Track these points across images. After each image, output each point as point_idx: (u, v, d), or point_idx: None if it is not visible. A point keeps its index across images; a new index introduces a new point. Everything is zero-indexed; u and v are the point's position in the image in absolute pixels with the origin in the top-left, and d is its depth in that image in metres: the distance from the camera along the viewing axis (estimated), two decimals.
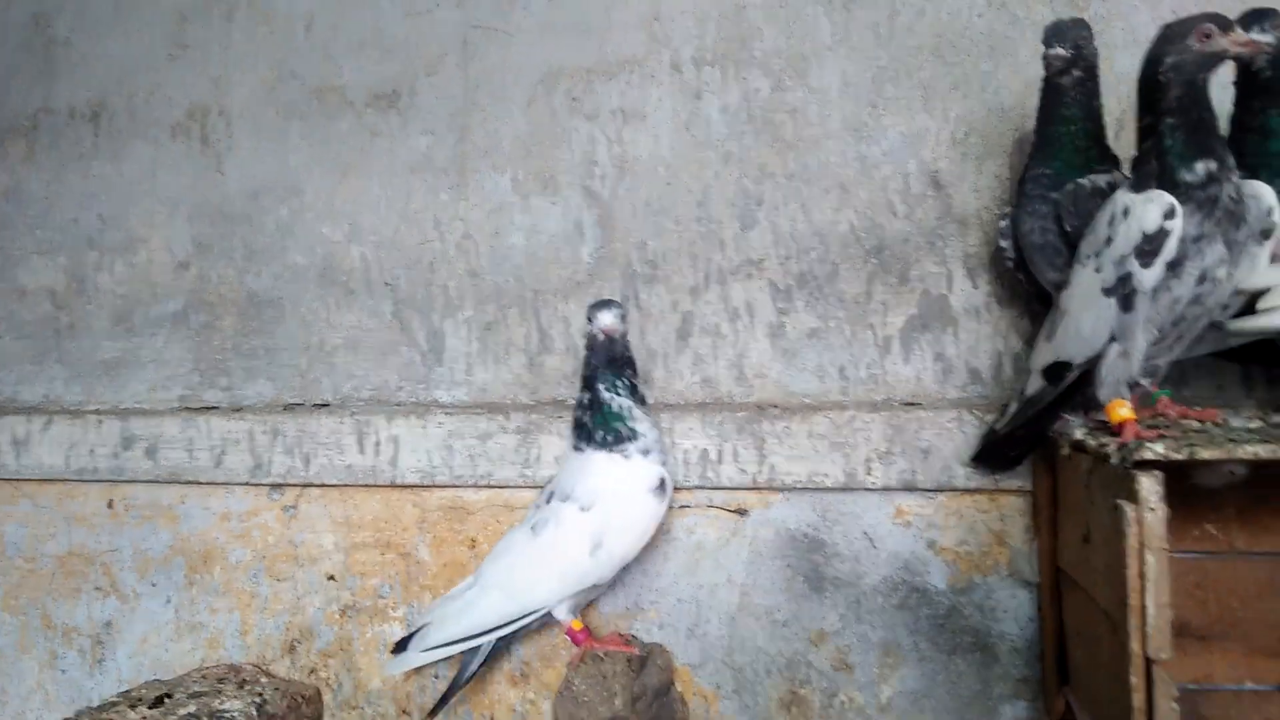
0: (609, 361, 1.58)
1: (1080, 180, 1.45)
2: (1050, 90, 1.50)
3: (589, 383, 1.58)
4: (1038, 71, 1.57)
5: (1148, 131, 1.27)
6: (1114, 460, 1.16)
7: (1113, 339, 1.28)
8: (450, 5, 2.00)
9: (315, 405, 1.96)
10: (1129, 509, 1.09)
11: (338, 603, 1.89)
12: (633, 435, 1.56)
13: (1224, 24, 1.23)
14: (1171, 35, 1.25)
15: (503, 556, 1.64)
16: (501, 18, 1.97)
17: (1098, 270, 1.29)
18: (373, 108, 2.01)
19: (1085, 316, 1.32)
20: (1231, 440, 1.13)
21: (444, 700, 1.66)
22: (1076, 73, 1.47)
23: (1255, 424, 1.26)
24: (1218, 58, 1.23)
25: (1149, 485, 1.09)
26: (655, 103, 1.89)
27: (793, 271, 1.81)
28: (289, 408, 1.96)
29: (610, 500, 1.53)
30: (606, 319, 1.57)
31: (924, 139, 1.77)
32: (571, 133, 1.92)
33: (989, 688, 1.63)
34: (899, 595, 1.68)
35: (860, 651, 1.69)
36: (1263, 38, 1.30)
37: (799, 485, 1.72)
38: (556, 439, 1.81)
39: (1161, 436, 1.16)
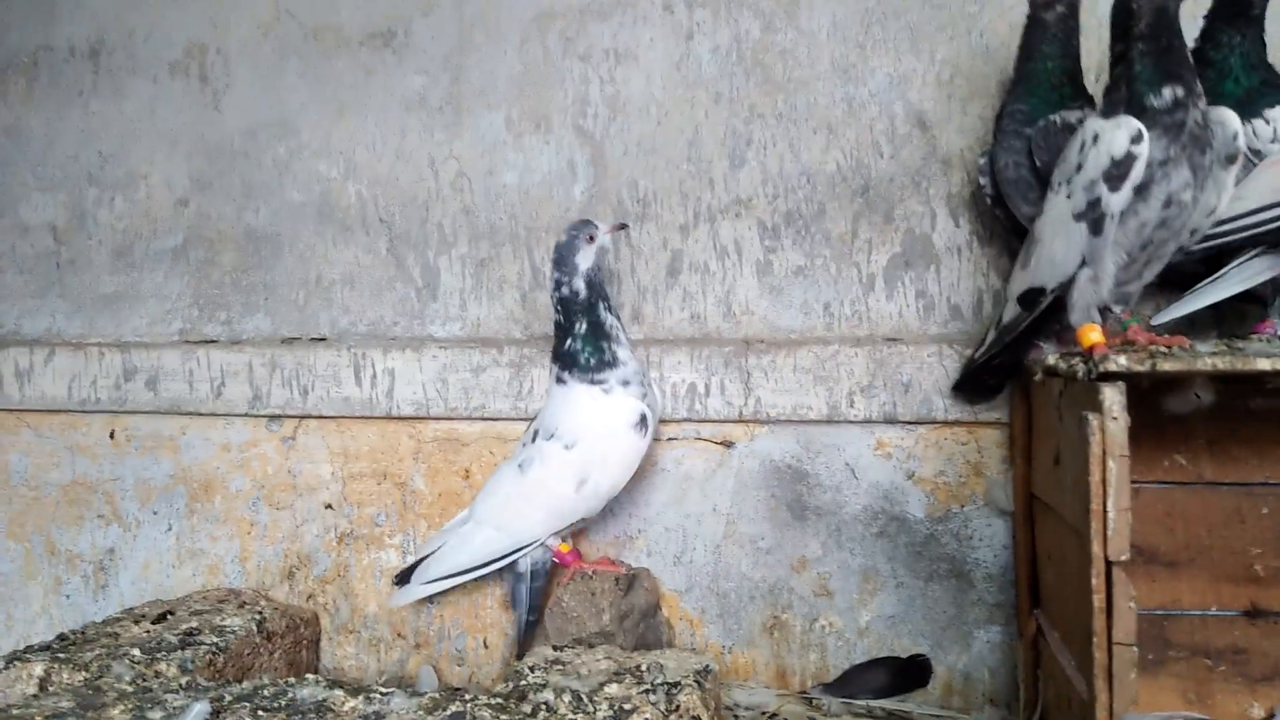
0: (601, 285, 1.62)
1: (1052, 116, 1.48)
2: (1033, 26, 1.53)
3: (588, 305, 1.60)
4: (1023, 13, 1.61)
5: (1119, 58, 1.30)
6: (1080, 374, 1.20)
7: (1083, 263, 1.32)
8: None
9: (313, 339, 2.00)
10: (1093, 418, 1.14)
11: (335, 531, 1.94)
12: (614, 361, 1.59)
13: None
14: None
15: (494, 494, 1.68)
16: None
17: (1069, 197, 1.32)
18: (368, 47, 2.03)
19: (1057, 242, 1.35)
20: (1192, 355, 1.17)
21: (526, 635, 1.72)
22: (1060, 9, 1.50)
23: (1221, 348, 1.30)
24: None
25: (1111, 395, 1.14)
26: (647, 43, 1.91)
27: (780, 210, 1.84)
28: (287, 341, 2.00)
29: (593, 438, 1.57)
30: (604, 225, 1.63)
31: (910, 80, 1.80)
32: (565, 73, 1.94)
33: (964, 612, 1.69)
34: (879, 524, 1.73)
35: (840, 578, 1.74)
36: None
37: (784, 418, 1.76)
38: (548, 373, 1.85)
39: (1126, 353, 1.20)
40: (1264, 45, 1.46)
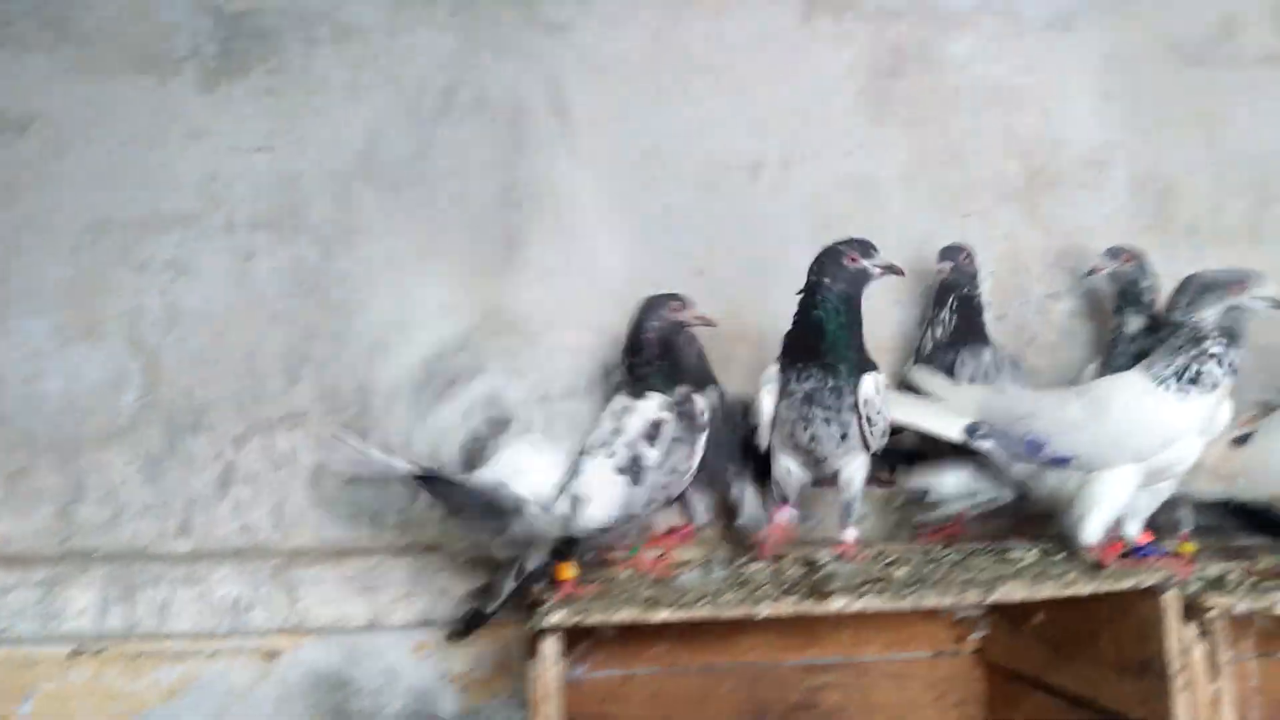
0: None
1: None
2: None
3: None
4: None
5: (632, 368, 1.68)
6: (530, 624, 1.44)
7: (621, 512, 1.62)
8: None
9: None
10: (532, 665, 1.38)
11: None
12: None
13: (687, 303, 1.70)
14: (653, 305, 1.69)
15: None
16: (53, 166, 1.98)
17: (610, 456, 1.62)
18: None
19: (602, 495, 1.62)
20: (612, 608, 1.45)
21: None
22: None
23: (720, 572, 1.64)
24: (682, 325, 1.70)
25: (546, 648, 1.38)
26: (208, 259, 2.01)
27: (335, 424, 1.98)
28: None
29: None
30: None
31: (458, 310, 2.03)
32: (120, 282, 1.99)
33: None
34: None
35: None
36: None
37: (328, 628, 1.88)
38: (84, 591, 1.83)
39: (568, 602, 1.46)
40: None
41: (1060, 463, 1.65)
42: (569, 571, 1.60)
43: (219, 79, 2.04)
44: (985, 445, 1.70)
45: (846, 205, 2.19)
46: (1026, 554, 1.74)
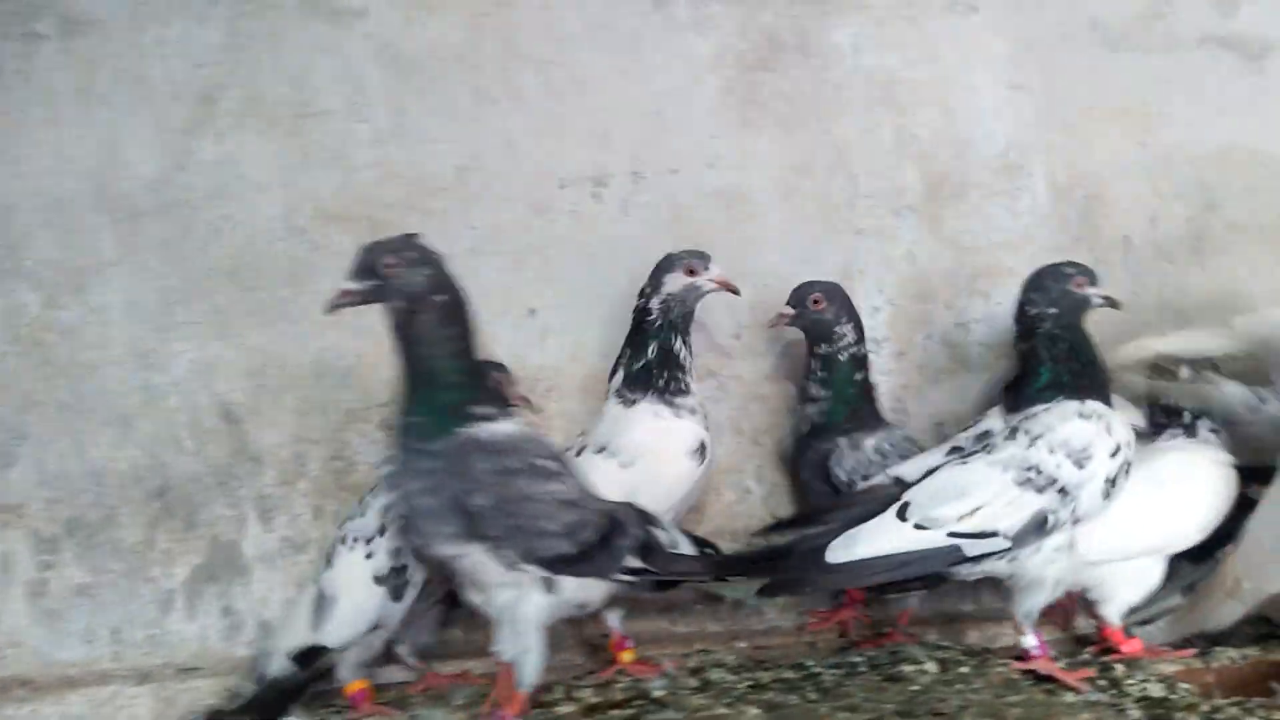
0: (686, 318, 1.59)
1: None
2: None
3: (665, 334, 1.57)
4: None
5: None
6: None
7: (375, 626, 1.33)
8: None
9: None
10: None
11: None
12: (686, 389, 1.57)
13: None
14: None
15: None
16: None
17: (369, 556, 1.33)
18: None
19: (353, 601, 1.33)
20: None
21: None
22: None
23: None
24: None
25: None
26: None
27: (61, 517, 1.68)
28: None
29: (650, 458, 1.52)
30: (718, 270, 1.60)
31: (217, 368, 1.70)
32: None
33: None
34: None
35: None
36: None
37: None
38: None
39: None
40: None
41: None
42: (357, 685, 1.36)
43: None
44: None
45: (714, 225, 1.88)
46: (924, 667, 1.42)
